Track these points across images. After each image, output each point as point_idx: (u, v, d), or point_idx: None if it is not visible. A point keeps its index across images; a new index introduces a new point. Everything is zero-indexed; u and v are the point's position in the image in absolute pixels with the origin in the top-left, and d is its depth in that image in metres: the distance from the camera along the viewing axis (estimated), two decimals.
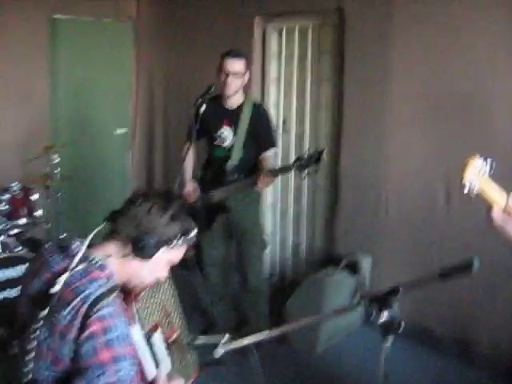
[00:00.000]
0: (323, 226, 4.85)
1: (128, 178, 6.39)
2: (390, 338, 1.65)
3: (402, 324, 1.65)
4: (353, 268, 4.15)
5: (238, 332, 4.13)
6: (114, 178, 6.25)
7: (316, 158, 3.28)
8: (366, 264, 4.23)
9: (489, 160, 1.86)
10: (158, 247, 1.75)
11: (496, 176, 1.86)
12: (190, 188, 3.89)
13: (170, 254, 1.81)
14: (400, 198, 4.15)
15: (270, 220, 5.24)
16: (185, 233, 1.80)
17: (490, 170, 1.87)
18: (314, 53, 4.75)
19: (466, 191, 1.82)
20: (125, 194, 6.11)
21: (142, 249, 1.73)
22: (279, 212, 5.21)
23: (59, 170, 4.82)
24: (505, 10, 3.56)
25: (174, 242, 1.77)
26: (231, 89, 3.71)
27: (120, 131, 6.22)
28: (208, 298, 4.13)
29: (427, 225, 4.03)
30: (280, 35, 5.00)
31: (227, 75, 3.67)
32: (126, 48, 6.17)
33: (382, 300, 1.70)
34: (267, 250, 4.82)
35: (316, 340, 3.94)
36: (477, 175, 1.83)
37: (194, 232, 1.84)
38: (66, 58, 5.73)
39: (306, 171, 3.32)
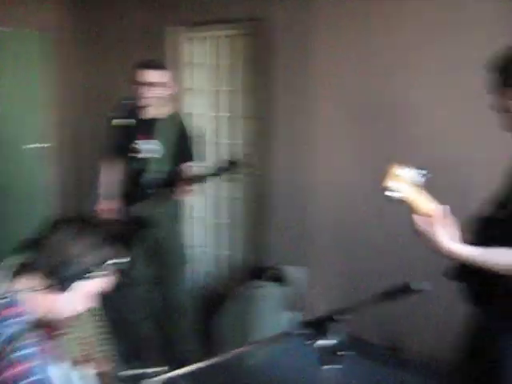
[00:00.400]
0: (251, 237, 4.75)
1: (49, 196, 6.04)
2: (329, 364, 1.57)
3: (343, 352, 1.58)
4: (281, 280, 4.08)
5: (164, 353, 4.01)
6: (31, 197, 5.83)
7: (232, 166, 3.28)
8: (296, 275, 4.16)
9: (413, 167, 1.87)
10: (75, 279, 1.59)
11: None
12: (106, 205, 3.72)
13: (91, 284, 1.65)
14: (330, 207, 4.14)
15: (194, 233, 5.10)
16: (105, 261, 1.64)
17: (422, 179, 1.88)
18: (230, 62, 4.68)
19: (388, 195, 1.85)
20: (45, 213, 5.82)
21: (57, 282, 1.56)
22: (204, 224, 5.08)
23: None
24: (423, 16, 3.60)
25: (94, 271, 1.62)
26: (147, 100, 3.58)
27: (36, 146, 5.85)
28: (132, 318, 3.97)
29: (358, 230, 4.02)
30: (194, 45, 4.89)
31: (141, 86, 3.53)
32: (47, 59, 5.81)
33: (319, 325, 1.62)
34: (191, 265, 4.72)
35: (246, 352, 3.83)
36: (400, 182, 1.85)
37: (116, 260, 1.69)
38: None
39: (224, 178, 3.38)
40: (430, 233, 1.88)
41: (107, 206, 3.72)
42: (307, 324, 1.67)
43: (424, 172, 1.89)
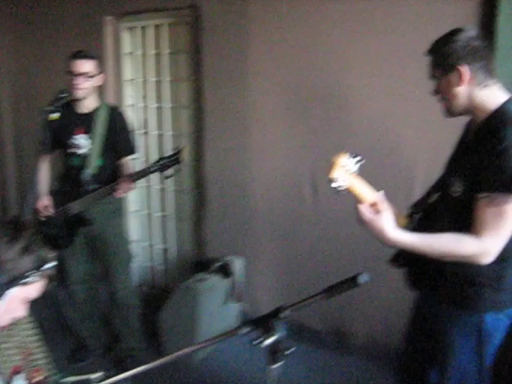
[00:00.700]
0: (192, 229, 4.72)
1: None
2: (278, 362, 1.55)
3: (292, 348, 1.57)
4: (225, 271, 4.06)
5: (110, 351, 3.95)
6: None
7: (176, 157, 3.25)
8: (238, 266, 4.15)
9: (357, 157, 1.89)
10: (7, 286, 1.52)
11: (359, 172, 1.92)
12: (45, 203, 3.61)
13: (25, 291, 1.58)
14: (267, 197, 4.12)
15: (136, 227, 5.03)
16: (40, 265, 1.58)
17: (358, 167, 1.90)
18: (171, 52, 4.59)
19: (334, 186, 1.86)
20: None
21: None
22: (145, 218, 5.01)
23: None
24: (359, 4, 3.60)
25: (28, 277, 1.56)
26: (80, 91, 3.48)
27: None
28: (76, 317, 3.89)
29: (296, 221, 4.02)
30: (134, 34, 4.79)
31: (75, 76, 3.44)
32: None
33: (265, 323, 1.60)
34: (135, 260, 4.66)
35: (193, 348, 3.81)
36: (345, 172, 1.87)
37: (52, 263, 1.63)
38: None
39: (168, 172, 3.28)
40: (375, 221, 1.93)
41: (47, 202, 3.62)
42: (253, 322, 1.64)
43: (359, 158, 1.91)
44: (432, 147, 3.42)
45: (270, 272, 4.19)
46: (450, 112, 2.08)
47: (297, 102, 3.90)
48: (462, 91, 2.00)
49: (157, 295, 4.79)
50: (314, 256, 3.98)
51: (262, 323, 1.61)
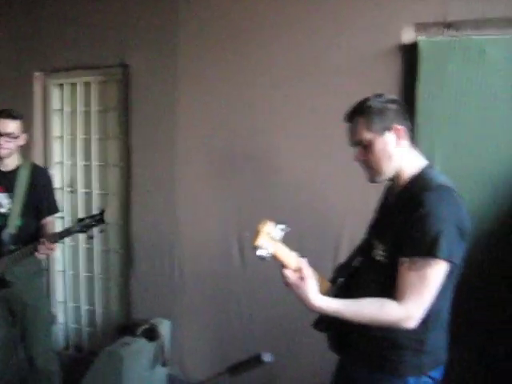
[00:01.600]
0: (118, 290, 4.60)
1: None
2: None
3: None
4: (151, 334, 3.94)
5: None
6: None
7: (99, 217, 3.22)
8: (165, 328, 4.04)
9: (282, 225, 1.90)
10: None
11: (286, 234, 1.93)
12: None
13: None
14: (194, 257, 4.06)
15: (61, 288, 4.85)
16: None
17: (283, 234, 1.94)
18: (100, 109, 4.55)
19: (258, 254, 1.88)
20: None
21: None
22: (71, 278, 4.84)
23: None
24: (287, 70, 3.66)
25: None
26: (4, 150, 3.40)
27: None
28: None
29: (223, 280, 3.97)
30: (62, 91, 4.73)
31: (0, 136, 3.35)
32: None
33: None
34: (60, 322, 4.50)
35: None
36: (269, 239, 1.87)
37: None
38: None
39: (90, 232, 3.25)
40: (300, 287, 1.91)
41: None
42: None
43: (283, 226, 1.92)
44: (358, 209, 3.44)
45: (198, 334, 4.09)
46: (380, 175, 2.07)
47: (225, 162, 3.90)
48: (396, 152, 2.02)
49: (84, 359, 4.60)
50: (242, 318, 3.92)
51: None
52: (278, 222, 1.93)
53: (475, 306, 3.11)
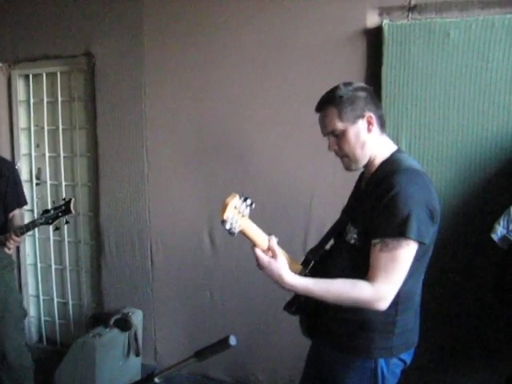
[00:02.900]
0: (90, 281, 4.57)
1: None
2: None
3: None
4: (123, 324, 3.92)
5: None
6: None
7: (63, 208, 3.16)
8: (137, 319, 4.03)
9: (248, 200, 1.89)
10: None
11: (255, 216, 1.93)
12: None
13: None
14: (165, 246, 4.06)
15: (33, 281, 4.81)
16: None
17: (250, 210, 1.92)
18: (66, 99, 4.49)
19: (226, 227, 1.86)
20: None
21: None
22: (42, 271, 4.79)
23: None
24: (254, 52, 3.65)
25: None
26: None
27: None
28: None
29: (195, 269, 3.98)
30: (27, 82, 4.66)
31: None
32: None
33: None
34: (32, 316, 4.46)
35: None
36: (237, 214, 1.88)
37: None
38: None
39: (56, 223, 3.20)
40: (271, 265, 1.93)
41: None
42: None
43: (250, 202, 1.92)
44: (325, 194, 3.49)
45: (170, 324, 4.10)
46: (356, 163, 2.08)
47: (195, 151, 3.89)
48: (369, 139, 2.03)
49: (57, 351, 4.58)
50: (214, 307, 3.95)
51: None
52: (243, 197, 1.91)
53: (444, 289, 3.16)
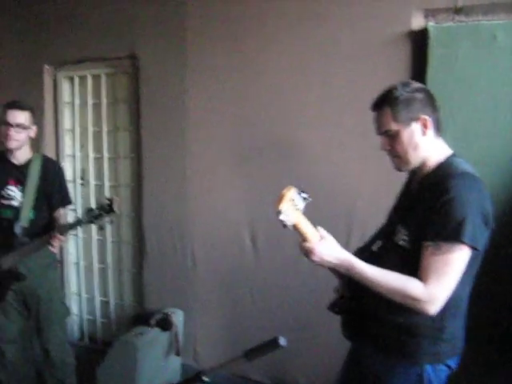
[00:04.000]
0: (131, 281, 4.63)
1: None
2: None
3: None
4: (164, 324, 3.96)
5: None
6: None
7: (107, 208, 3.17)
8: (177, 318, 4.06)
9: (304, 193, 1.89)
10: None
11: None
12: None
13: None
14: (206, 247, 4.08)
15: (75, 279, 4.89)
16: None
17: (305, 204, 1.95)
18: (110, 101, 4.56)
19: (281, 219, 1.87)
20: None
21: None
22: (85, 270, 4.88)
23: None
24: (297, 56, 3.64)
25: None
26: (14, 142, 3.42)
27: None
28: (8, 378, 3.69)
29: (236, 270, 3.98)
30: (72, 84, 4.75)
31: (9, 127, 3.38)
32: None
33: None
34: (74, 314, 4.53)
35: None
36: (292, 207, 1.89)
37: None
38: None
39: (100, 222, 3.20)
40: (324, 245, 1.97)
41: None
42: None
43: (306, 195, 1.92)
44: (369, 196, 3.46)
45: (210, 324, 4.12)
46: (407, 165, 2.08)
47: (236, 152, 3.90)
48: (423, 142, 2.03)
49: (98, 349, 4.65)
50: (255, 308, 3.94)
51: None
52: (300, 191, 1.93)
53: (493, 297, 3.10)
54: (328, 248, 1.96)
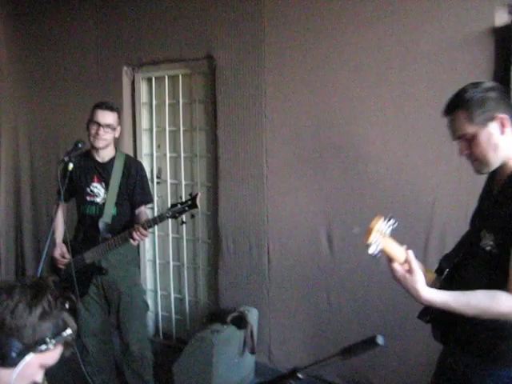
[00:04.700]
0: (206, 279, 4.69)
1: None
2: None
3: None
4: (240, 322, 3.99)
5: None
6: None
7: (190, 203, 3.25)
8: (252, 317, 4.08)
9: (392, 220, 1.89)
10: (24, 353, 1.47)
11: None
12: (60, 251, 3.61)
13: (42, 358, 1.52)
14: (282, 246, 4.07)
15: (151, 276, 4.99)
16: (59, 332, 1.52)
17: (392, 229, 1.92)
18: (186, 101, 4.64)
19: (370, 252, 1.87)
20: None
21: (4, 356, 1.44)
22: (161, 267, 4.97)
23: None
24: (374, 56, 3.61)
25: (45, 344, 1.49)
26: (102, 141, 3.52)
27: None
28: (88, 370, 3.78)
29: (312, 271, 3.96)
30: (150, 84, 4.85)
31: (98, 127, 3.48)
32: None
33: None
34: (150, 310, 4.61)
35: None
36: (379, 235, 1.87)
37: (71, 331, 1.57)
38: None
39: (183, 217, 3.30)
40: (409, 280, 1.90)
41: (63, 250, 3.62)
42: (269, 383, 1.58)
43: (393, 222, 1.92)
44: (448, 199, 3.39)
45: (285, 323, 4.11)
46: (487, 167, 2.01)
47: (313, 152, 3.88)
48: (503, 141, 1.96)
49: (172, 345, 4.73)
50: (330, 308, 3.91)
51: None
52: (388, 218, 1.91)
53: None
54: (409, 285, 1.90)
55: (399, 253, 1.94)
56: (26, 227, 5.79)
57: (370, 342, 1.47)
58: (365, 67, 3.65)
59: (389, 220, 1.90)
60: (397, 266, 1.92)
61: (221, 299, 4.40)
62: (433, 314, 2.11)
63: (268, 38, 4.01)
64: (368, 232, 1.86)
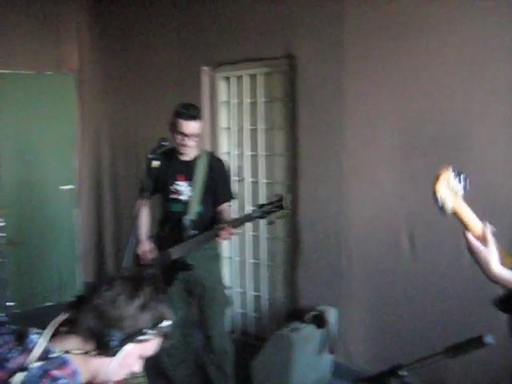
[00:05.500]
0: (284, 277, 4.70)
1: (76, 237, 6.11)
2: None
3: None
4: (318, 321, 3.98)
5: None
6: (61, 238, 5.99)
7: (278, 204, 3.26)
8: (331, 316, 4.07)
9: (462, 176, 1.78)
10: (124, 343, 1.51)
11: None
12: (146, 247, 3.70)
13: (141, 348, 1.57)
14: (362, 246, 4.04)
15: (228, 273, 5.05)
16: (157, 323, 1.56)
17: (465, 189, 1.78)
18: (266, 100, 4.67)
19: (439, 204, 1.74)
20: (74, 254, 5.90)
21: (105, 345, 1.49)
22: (238, 265, 5.03)
23: (5, 234, 4.55)
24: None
25: (144, 335, 1.54)
26: (189, 149, 3.61)
27: (66, 187, 5.96)
28: (170, 362, 3.88)
29: (392, 271, 3.92)
30: (229, 83, 4.91)
31: (184, 137, 3.54)
32: (69, 101, 6.00)
33: (382, 381, 1.53)
34: (231, 307, 4.67)
35: None
36: (450, 191, 1.75)
37: (169, 322, 1.62)
38: (7, 113, 5.55)
39: (270, 218, 3.32)
40: (482, 253, 1.81)
41: (148, 247, 3.71)
42: (369, 380, 1.58)
43: (464, 176, 1.78)
44: None
45: (364, 323, 4.07)
46: None
47: (395, 151, 3.84)
48: None
49: (248, 342, 4.77)
50: (410, 309, 3.84)
51: (379, 381, 1.54)
52: (457, 172, 1.77)
53: None
54: (482, 259, 1.81)
55: (475, 222, 1.83)
56: (108, 229, 5.99)
57: (477, 342, 1.43)
58: (450, 63, 3.56)
59: (459, 174, 1.78)
60: (472, 238, 1.82)
61: (298, 297, 4.41)
62: (508, 304, 2.02)
63: (348, 36, 3.98)
64: (435, 179, 1.74)
